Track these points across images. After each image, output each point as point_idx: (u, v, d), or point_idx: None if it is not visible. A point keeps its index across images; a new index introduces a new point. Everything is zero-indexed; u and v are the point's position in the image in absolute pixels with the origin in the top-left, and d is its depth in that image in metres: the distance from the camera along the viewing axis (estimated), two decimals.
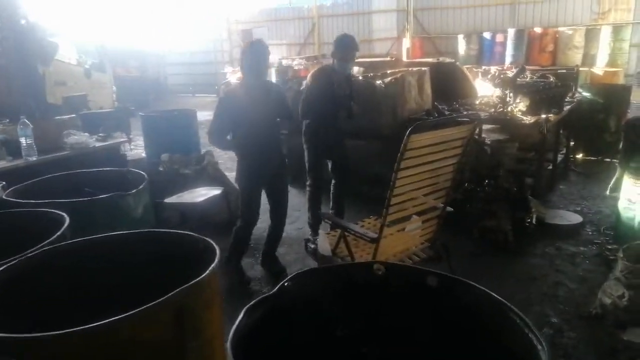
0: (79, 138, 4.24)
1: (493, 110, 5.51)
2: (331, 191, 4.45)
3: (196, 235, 1.60)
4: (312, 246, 2.96)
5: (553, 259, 3.65)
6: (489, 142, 6.33)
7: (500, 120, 5.07)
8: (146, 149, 5.59)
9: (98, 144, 4.41)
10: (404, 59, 13.64)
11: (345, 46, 3.97)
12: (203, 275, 1.28)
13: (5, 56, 4.71)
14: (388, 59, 6.83)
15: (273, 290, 1.35)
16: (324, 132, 4.10)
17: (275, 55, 16.49)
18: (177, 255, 1.61)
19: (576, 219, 4.30)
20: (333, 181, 4.44)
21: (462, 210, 4.13)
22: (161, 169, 4.96)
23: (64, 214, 1.82)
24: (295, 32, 17.40)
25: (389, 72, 5.84)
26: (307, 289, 1.39)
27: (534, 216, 4.08)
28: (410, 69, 6.07)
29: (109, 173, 2.69)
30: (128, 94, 13.43)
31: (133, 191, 2.30)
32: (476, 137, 5.45)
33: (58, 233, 1.65)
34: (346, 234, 2.65)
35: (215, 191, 4.08)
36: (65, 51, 9.24)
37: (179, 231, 1.65)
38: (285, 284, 1.34)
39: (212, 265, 1.35)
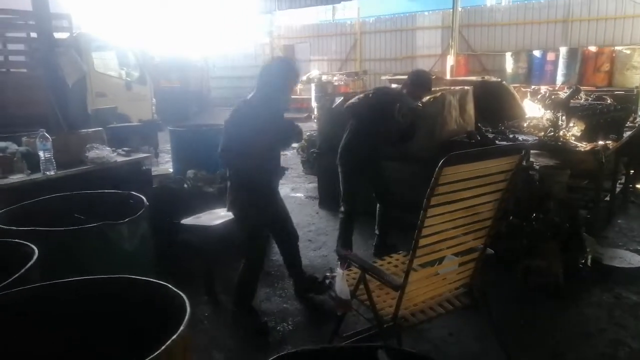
0: (100, 152, 4.09)
1: (543, 134, 5.04)
2: (377, 217, 4.17)
3: (172, 288, 1.31)
4: (330, 284, 2.63)
5: (612, 309, 3.15)
6: (537, 168, 5.85)
7: (551, 146, 4.59)
8: (173, 164, 5.44)
9: (120, 159, 4.25)
10: (448, 76, 13.22)
11: (421, 86, 3.80)
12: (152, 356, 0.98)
13: (37, 68, 4.67)
14: None
15: None
16: (366, 149, 3.81)
17: (316, 71, 16.42)
18: (149, 308, 1.33)
19: (638, 261, 3.78)
20: (378, 206, 4.15)
21: (505, 247, 3.70)
22: (186, 185, 4.77)
23: (34, 247, 1.58)
24: (337, 47, 17.26)
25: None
26: None
27: (589, 257, 3.60)
28: (452, 87, 5.69)
29: (110, 196, 2.46)
30: (170, 106, 13.57)
31: (126, 220, 2.05)
32: (523, 163, 4.99)
33: (17, 274, 1.40)
34: (367, 276, 2.31)
35: None
36: (108, 63, 9.38)
37: (155, 281, 1.36)
38: None
39: (172, 338, 1.05)
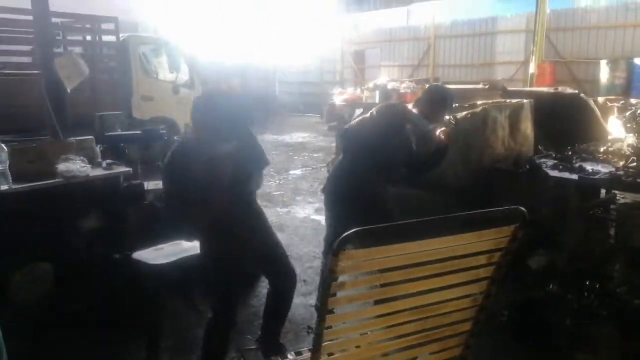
0: (70, 165, 3.63)
1: (623, 164, 3.88)
2: None
3: None
4: None
5: None
6: (615, 205, 4.63)
7: (628, 183, 3.46)
8: None
9: (93, 174, 3.76)
10: (528, 86, 11.73)
11: (437, 104, 2.89)
12: None
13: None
14: (480, 86, 5.42)
15: None
16: (359, 178, 2.93)
17: (385, 77, 15.48)
18: None
19: None
20: None
21: (540, 327, 2.69)
22: None
23: None
24: (409, 53, 16.21)
25: (479, 103, 4.50)
26: None
27: None
28: (506, 100, 4.64)
29: None
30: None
31: None
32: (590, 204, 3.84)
33: None
34: None
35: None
36: (156, 66, 9.23)
37: None
38: None
39: None
